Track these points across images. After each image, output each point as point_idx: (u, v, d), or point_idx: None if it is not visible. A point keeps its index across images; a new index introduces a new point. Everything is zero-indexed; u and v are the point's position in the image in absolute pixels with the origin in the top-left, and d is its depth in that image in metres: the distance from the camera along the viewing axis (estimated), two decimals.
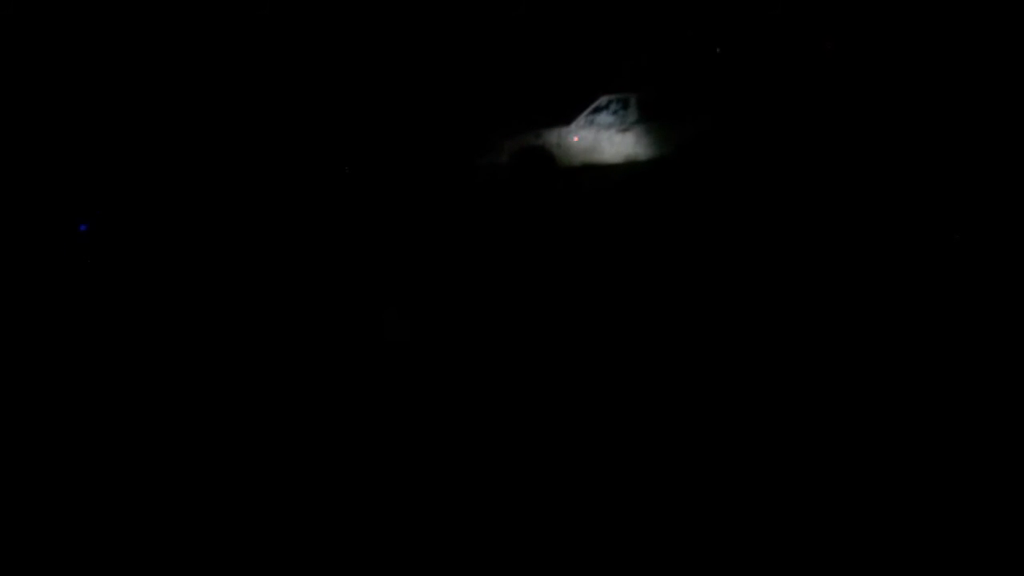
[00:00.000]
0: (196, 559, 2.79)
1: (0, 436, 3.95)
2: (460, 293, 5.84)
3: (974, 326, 4.58)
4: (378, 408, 3.82)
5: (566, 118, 11.58)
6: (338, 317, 5.26)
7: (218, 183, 11.53)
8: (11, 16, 12.19)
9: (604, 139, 11.45)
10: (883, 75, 12.91)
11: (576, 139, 11.35)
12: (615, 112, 11.44)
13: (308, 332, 5.05)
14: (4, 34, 12.07)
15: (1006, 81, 11.30)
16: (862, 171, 10.18)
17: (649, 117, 11.39)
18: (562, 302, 5.51)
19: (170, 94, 12.74)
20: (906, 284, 5.61)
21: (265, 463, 3.44)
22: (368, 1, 13.16)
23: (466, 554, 2.66)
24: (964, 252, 6.35)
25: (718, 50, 14.09)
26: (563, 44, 12.84)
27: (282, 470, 3.34)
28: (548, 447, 3.34)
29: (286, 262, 7.57)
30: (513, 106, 12.18)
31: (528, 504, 2.90)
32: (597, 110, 11.47)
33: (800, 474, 3.05)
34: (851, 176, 9.96)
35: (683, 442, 3.25)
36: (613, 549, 2.65)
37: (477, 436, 3.50)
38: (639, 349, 4.38)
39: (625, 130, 11.42)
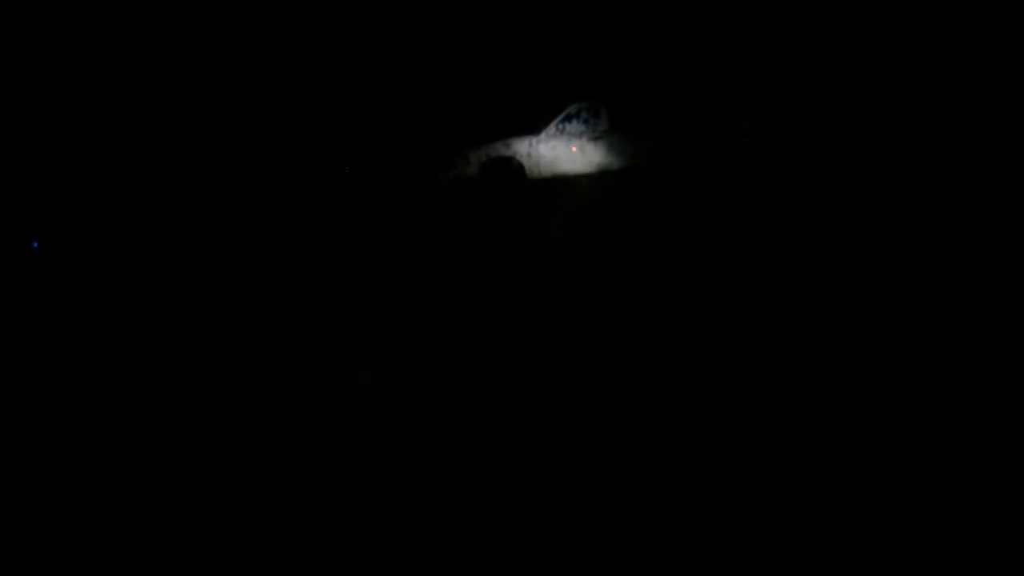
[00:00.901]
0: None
1: None
2: (425, 332, 5.60)
3: (976, 327, 4.53)
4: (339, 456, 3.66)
5: (535, 127, 11.26)
6: (295, 366, 5.00)
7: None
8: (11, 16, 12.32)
9: (575, 148, 11.11)
10: (883, 75, 12.62)
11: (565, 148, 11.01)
12: (586, 121, 11.11)
13: (263, 378, 4.82)
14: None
15: (1007, 81, 11.04)
16: (863, 172, 10.02)
17: (621, 126, 11.04)
18: (533, 326, 5.32)
19: (157, 96, 12.74)
20: (908, 285, 5.53)
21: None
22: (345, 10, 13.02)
23: None
24: (967, 253, 6.26)
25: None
26: (532, 50, 12.57)
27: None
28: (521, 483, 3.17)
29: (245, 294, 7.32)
30: (480, 114, 11.91)
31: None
32: (567, 119, 11.14)
33: (800, 476, 3.02)
34: (852, 177, 9.80)
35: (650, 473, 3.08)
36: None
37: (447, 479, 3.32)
38: (621, 379, 4.20)
39: (596, 139, 11.08)
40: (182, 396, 4.45)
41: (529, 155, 11.16)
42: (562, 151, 11.10)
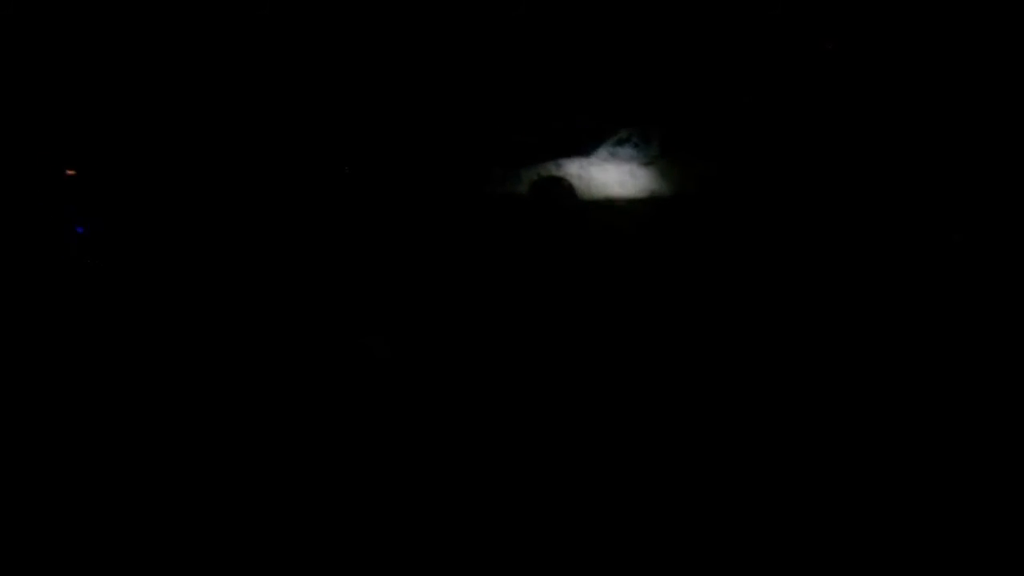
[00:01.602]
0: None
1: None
2: (462, 319, 5.79)
3: (974, 327, 4.61)
4: (363, 422, 3.83)
5: (587, 149, 11.32)
6: (326, 332, 5.27)
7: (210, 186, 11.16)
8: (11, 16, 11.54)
9: (626, 172, 11.25)
10: (883, 75, 12.87)
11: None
12: (636, 145, 11.22)
13: (294, 345, 5.06)
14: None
15: (1006, 81, 11.31)
16: (862, 172, 10.26)
17: (672, 151, 11.20)
18: (573, 334, 5.47)
19: (169, 94, 12.19)
20: (906, 285, 5.63)
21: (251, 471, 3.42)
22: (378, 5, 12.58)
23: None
24: (964, 253, 6.40)
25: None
26: (585, 74, 12.48)
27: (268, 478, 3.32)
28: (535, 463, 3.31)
29: (279, 270, 7.44)
30: (534, 133, 11.84)
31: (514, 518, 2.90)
32: (619, 142, 11.24)
33: (800, 476, 3.06)
34: (851, 177, 10.05)
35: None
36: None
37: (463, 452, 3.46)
38: (644, 385, 4.30)
39: (648, 164, 11.23)
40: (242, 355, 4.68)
41: (580, 176, 11.25)
42: (613, 174, 11.23)
